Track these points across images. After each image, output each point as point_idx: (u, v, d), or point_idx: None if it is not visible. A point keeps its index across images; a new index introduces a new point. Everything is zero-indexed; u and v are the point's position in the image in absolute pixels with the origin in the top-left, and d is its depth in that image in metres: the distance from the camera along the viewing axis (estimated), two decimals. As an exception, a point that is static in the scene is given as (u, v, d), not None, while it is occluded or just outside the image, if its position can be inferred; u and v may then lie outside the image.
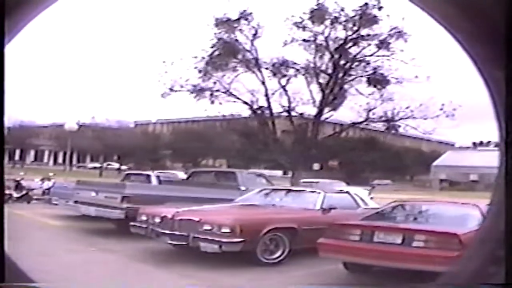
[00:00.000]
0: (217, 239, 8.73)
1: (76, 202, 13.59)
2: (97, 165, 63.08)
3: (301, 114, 27.53)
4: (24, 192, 22.57)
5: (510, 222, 1.48)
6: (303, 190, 11.96)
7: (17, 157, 61.05)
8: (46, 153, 69.54)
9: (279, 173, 41.86)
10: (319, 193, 10.87)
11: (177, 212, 9.62)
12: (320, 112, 26.74)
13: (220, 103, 27.08)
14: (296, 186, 17.42)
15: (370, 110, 26.42)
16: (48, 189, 22.90)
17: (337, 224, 8.12)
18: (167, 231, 9.46)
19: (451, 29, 1.68)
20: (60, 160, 69.26)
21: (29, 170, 50.53)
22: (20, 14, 1.47)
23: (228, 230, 8.78)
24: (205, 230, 8.93)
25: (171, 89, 26.51)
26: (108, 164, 61.33)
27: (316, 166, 54.30)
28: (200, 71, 26.65)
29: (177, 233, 9.32)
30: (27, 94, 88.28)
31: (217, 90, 26.85)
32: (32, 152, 66.65)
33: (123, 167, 57.37)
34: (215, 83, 26.87)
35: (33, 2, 1.55)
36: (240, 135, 43.33)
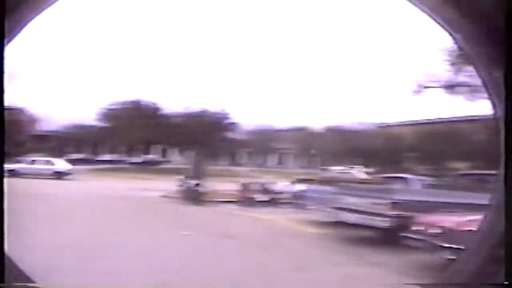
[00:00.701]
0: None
1: (335, 207, 12.83)
2: (339, 168, 63.74)
3: None
4: (272, 195, 23.00)
5: (510, 221, 1.54)
6: None
7: (247, 161, 66.27)
8: (288, 156, 73.20)
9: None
10: None
11: (462, 222, 8.11)
12: None
13: (471, 101, 24.32)
14: None
15: None
16: (299, 192, 22.95)
17: None
18: (451, 245, 8.01)
19: (450, 30, 1.75)
20: (301, 163, 72.29)
21: (271, 173, 53.44)
22: (20, 16, 1.50)
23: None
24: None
25: (422, 86, 24.67)
26: (351, 167, 61.51)
27: None
28: (452, 64, 24.30)
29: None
30: (266, 100, 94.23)
31: (470, 85, 24.16)
32: (274, 156, 70.60)
33: (366, 170, 57.06)
34: (469, 77, 24.20)
35: (32, 3, 1.56)
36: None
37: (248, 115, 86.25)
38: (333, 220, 13.30)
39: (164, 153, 69.71)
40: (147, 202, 22.16)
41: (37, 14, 1.63)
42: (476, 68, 1.71)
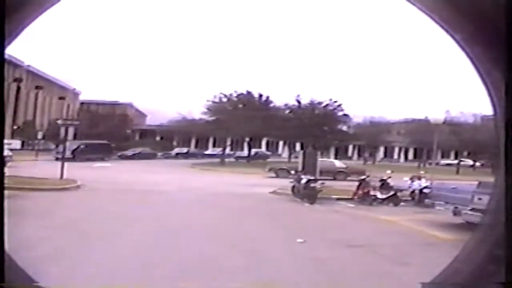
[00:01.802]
0: None
1: (474, 209, 11.51)
2: (450, 161, 61.04)
3: None
4: (391, 192, 21.72)
5: (510, 221, 1.58)
6: None
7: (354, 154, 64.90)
8: (396, 149, 70.88)
9: None
10: None
11: None
12: None
13: None
14: None
15: None
16: (421, 189, 21.60)
17: None
18: None
19: (450, 30, 1.77)
20: (410, 156, 69.93)
21: (379, 167, 51.50)
22: (21, 16, 1.55)
23: None
24: None
25: None
26: (461, 161, 58.41)
27: None
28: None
29: None
30: (378, 90, 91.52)
31: None
32: (382, 149, 68.70)
33: (477, 163, 53.91)
34: None
35: (34, 4, 1.61)
36: None
37: (359, 106, 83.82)
38: (467, 221, 11.97)
39: (271, 146, 69.92)
40: (257, 199, 21.70)
41: (39, 15, 1.64)
42: (476, 68, 1.74)
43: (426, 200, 18.74)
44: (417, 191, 21.82)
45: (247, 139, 62.71)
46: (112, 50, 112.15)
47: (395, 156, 69.84)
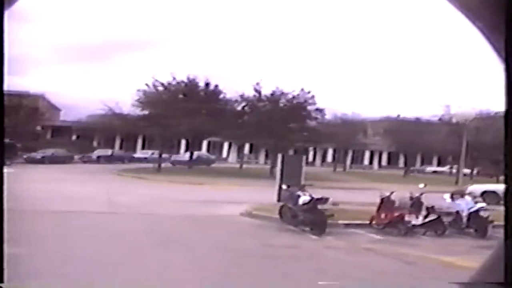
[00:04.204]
0: None
1: None
2: (436, 168, 58.94)
3: None
4: (432, 216, 16.52)
5: (510, 221, 1.73)
6: None
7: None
8: (367, 154, 67.08)
9: None
10: None
11: None
12: None
13: None
14: None
15: None
16: (474, 211, 16.62)
17: None
18: None
19: (471, 18, 1.87)
20: (383, 162, 66.83)
21: (350, 174, 47.24)
22: None
23: None
24: None
25: None
26: (451, 168, 55.59)
27: None
28: None
29: None
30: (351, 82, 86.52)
31: None
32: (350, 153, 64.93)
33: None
34: None
35: None
36: None
37: (328, 100, 77.47)
38: None
39: (214, 148, 63.80)
40: (229, 228, 16.46)
41: None
42: (499, 56, 1.81)
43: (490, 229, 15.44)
44: (464, 213, 16.71)
45: (184, 139, 56.41)
46: (21, 29, 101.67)
47: (365, 162, 65.49)
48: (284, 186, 18.91)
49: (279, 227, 16.31)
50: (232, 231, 15.89)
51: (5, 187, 1.67)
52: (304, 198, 16.25)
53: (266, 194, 22.01)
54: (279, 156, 23.91)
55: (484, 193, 24.43)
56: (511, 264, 1.73)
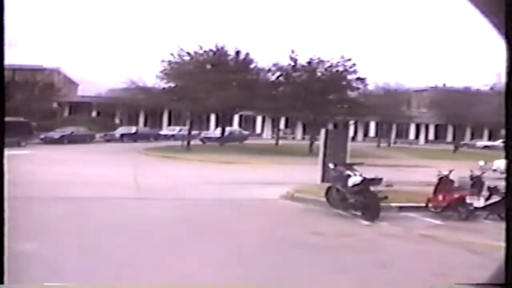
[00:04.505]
0: None
1: None
2: (488, 143, 55.91)
3: None
4: (495, 198, 14.07)
5: (510, 221, 1.78)
6: None
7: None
8: (412, 127, 64.61)
9: None
10: None
11: None
12: None
13: None
14: None
15: None
16: None
17: None
18: None
19: (487, 13, 1.93)
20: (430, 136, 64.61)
21: (397, 150, 45.06)
22: None
23: None
24: None
25: None
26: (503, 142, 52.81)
27: None
28: None
29: None
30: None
31: None
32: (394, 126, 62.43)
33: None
34: None
35: None
36: None
37: (369, 68, 74.35)
38: None
39: (246, 123, 61.81)
40: (272, 213, 15.11)
41: None
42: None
43: None
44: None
45: (214, 114, 54.23)
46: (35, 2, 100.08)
47: (410, 136, 63.08)
48: (331, 165, 16.77)
49: (326, 212, 14.75)
50: (275, 218, 14.50)
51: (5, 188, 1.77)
52: (354, 179, 14.47)
53: (308, 173, 20.55)
54: (322, 131, 21.92)
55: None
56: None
